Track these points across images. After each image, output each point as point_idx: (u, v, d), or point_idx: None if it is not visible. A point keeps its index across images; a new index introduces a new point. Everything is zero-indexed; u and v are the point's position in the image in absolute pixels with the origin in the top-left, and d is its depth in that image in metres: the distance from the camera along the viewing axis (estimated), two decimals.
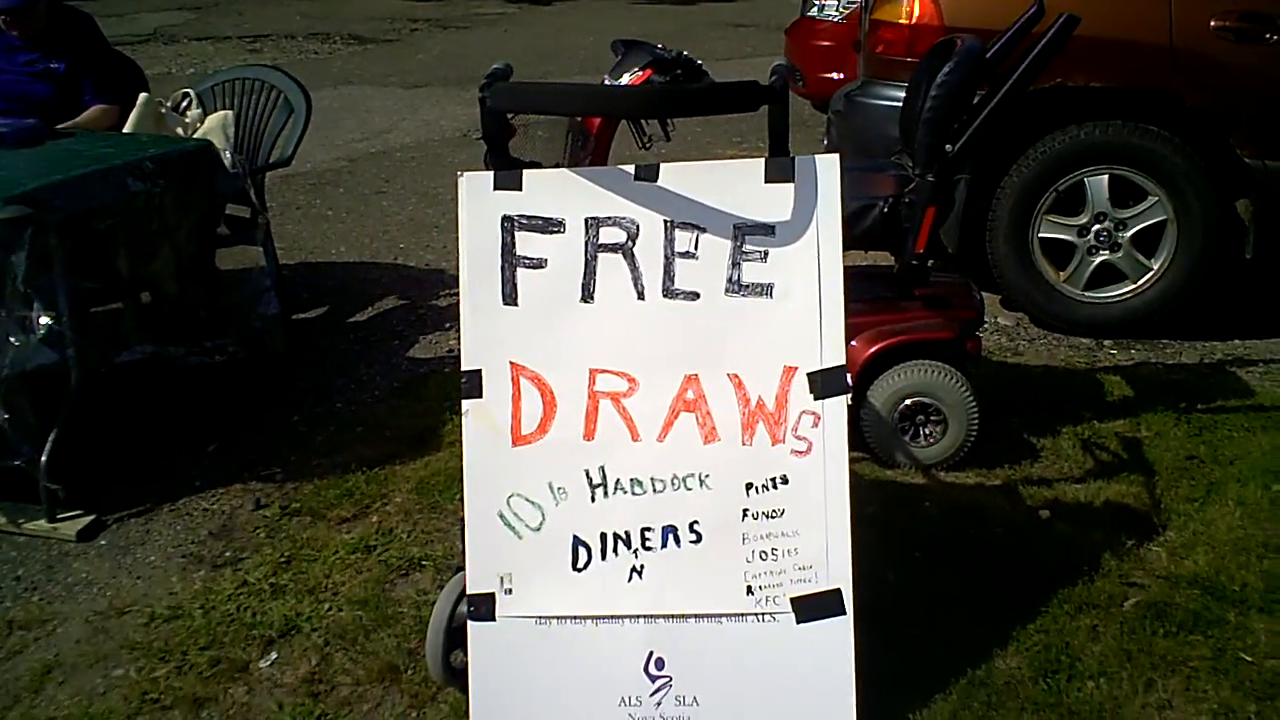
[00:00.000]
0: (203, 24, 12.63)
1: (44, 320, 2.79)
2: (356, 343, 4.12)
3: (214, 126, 4.09)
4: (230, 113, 4.13)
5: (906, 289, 3.07)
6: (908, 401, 2.98)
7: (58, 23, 4.08)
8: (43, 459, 2.85)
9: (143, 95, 4.02)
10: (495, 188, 2.12)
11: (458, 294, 4.56)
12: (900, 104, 3.43)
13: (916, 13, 4.13)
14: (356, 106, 8.40)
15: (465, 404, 2.09)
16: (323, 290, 4.66)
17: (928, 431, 3.01)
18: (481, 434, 2.09)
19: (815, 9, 7.68)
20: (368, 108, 8.45)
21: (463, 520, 2.06)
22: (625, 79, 3.09)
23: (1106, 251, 4.01)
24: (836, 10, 7.42)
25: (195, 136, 4.01)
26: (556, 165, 3.15)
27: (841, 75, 6.73)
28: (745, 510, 2.05)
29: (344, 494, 2.98)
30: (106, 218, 2.98)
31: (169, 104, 4.14)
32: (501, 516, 2.06)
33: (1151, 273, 3.98)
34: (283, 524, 2.87)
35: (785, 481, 2.04)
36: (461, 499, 2.06)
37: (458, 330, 4.25)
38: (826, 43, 7.36)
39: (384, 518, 2.87)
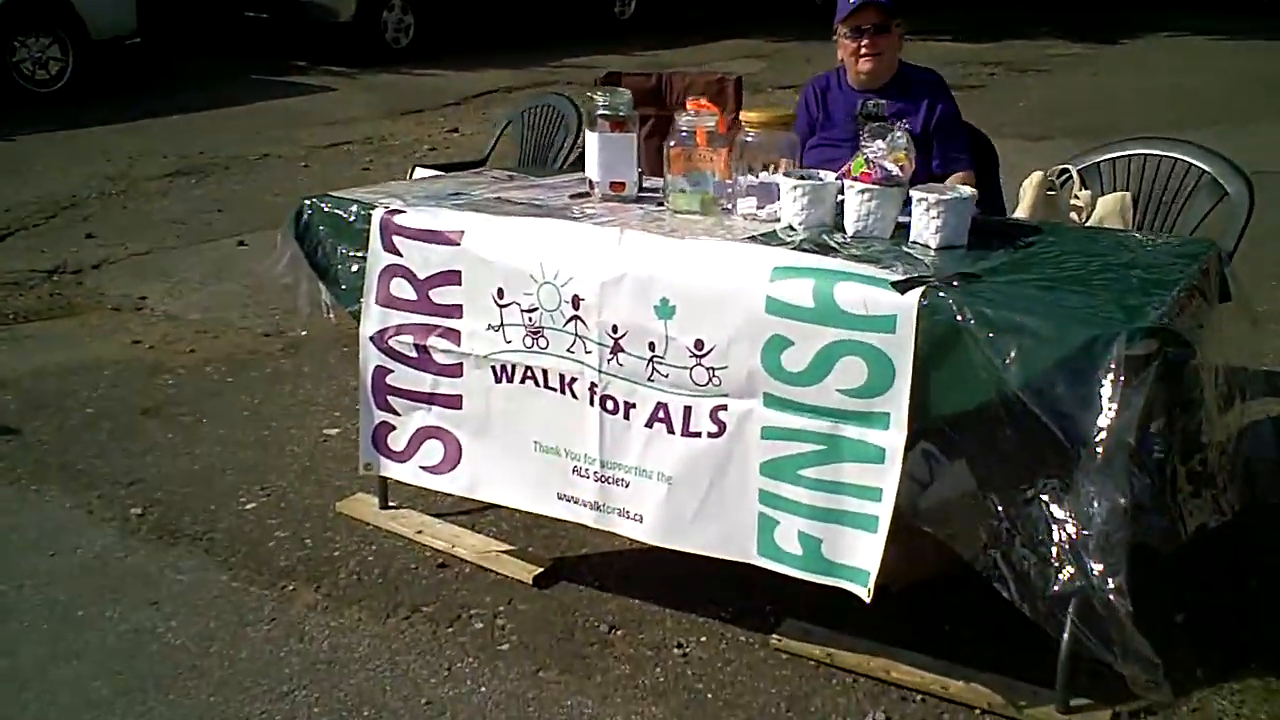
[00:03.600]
0: (775, 71, 12.53)
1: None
2: None
3: (1111, 210, 3.47)
4: (1127, 194, 3.49)
5: None
6: None
7: (908, 78, 3.65)
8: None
9: (1036, 175, 3.47)
10: None
11: None
12: None
13: None
14: None
15: None
16: None
17: None
18: None
19: None
20: None
21: None
22: None
23: None
24: None
25: (1089, 223, 3.42)
26: None
27: None
28: None
29: None
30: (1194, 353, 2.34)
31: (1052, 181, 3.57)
32: None
33: None
34: None
35: None
36: None
37: None
38: None
39: None
